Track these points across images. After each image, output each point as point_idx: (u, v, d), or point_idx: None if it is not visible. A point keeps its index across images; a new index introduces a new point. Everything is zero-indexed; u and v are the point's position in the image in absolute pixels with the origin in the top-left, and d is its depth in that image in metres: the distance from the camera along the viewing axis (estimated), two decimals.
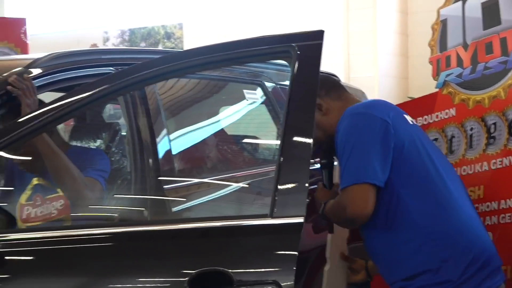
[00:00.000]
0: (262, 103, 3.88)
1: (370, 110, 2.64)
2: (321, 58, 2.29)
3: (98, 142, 3.34)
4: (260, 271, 2.14)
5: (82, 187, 2.78)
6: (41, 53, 3.10)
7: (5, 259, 2.33)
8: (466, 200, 2.74)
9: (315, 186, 2.79)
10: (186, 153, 3.61)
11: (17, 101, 2.74)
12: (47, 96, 2.94)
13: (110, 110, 4.64)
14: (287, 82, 2.43)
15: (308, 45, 2.32)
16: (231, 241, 2.20)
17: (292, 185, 2.16)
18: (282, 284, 2.08)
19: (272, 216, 2.15)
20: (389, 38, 7.71)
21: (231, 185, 3.31)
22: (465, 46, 3.31)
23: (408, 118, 2.78)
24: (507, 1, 3.16)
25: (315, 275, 3.19)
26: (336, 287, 2.98)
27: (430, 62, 3.49)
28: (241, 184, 3.32)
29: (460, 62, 3.33)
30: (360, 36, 7.69)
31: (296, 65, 2.27)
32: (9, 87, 2.67)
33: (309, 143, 2.19)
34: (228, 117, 4.04)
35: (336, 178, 2.82)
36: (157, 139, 3.11)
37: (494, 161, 3.12)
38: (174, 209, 3.03)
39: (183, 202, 3.11)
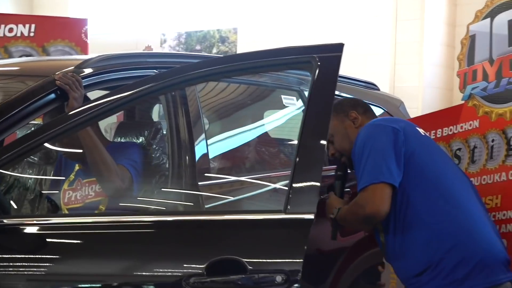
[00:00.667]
0: (298, 109, 4.06)
1: (382, 122, 2.91)
2: (339, 68, 2.48)
3: (141, 139, 3.56)
4: (271, 261, 2.35)
5: (116, 178, 3.01)
6: (94, 54, 3.34)
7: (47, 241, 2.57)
8: (476, 202, 2.91)
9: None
10: (223, 153, 3.84)
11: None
12: (97, 95, 3.17)
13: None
14: None
15: (328, 57, 2.51)
16: (248, 233, 2.41)
17: (306, 184, 2.36)
18: (289, 273, 2.29)
19: (286, 212, 2.36)
20: (435, 49, 7.80)
21: (260, 183, 3.52)
22: (491, 61, 3.44)
23: (421, 130, 2.98)
24: None
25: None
26: None
27: (458, 75, 3.62)
28: (269, 183, 3.51)
29: (485, 76, 3.46)
30: (407, 47, 7.80)
31: (316, 74, 2.47)
32: (57, 82, 2.91)
33: (323, 146, 2.39)
34: (264, 121, 4.23)
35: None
36: (195, 138, 3.33)
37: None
38: (206, 204, 3.24)
39: (215, 198, 3.33)
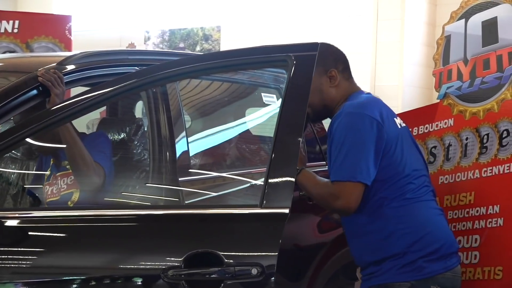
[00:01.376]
0: (278, 107, 4.11)
1: (365, 110, 2.87)
2: (314, 67, 2.54)
3: (122, 135, 3.62)
4: (247, 255, 2.42)
5: (93, 174, 3.07)
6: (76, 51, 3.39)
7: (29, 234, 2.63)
8: (431, 196, 3.02)
9: None
10: (205, 149, 3.90)
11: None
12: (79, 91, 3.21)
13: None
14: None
15: (303, 56, 2.57)
16: (224, 227, 2.48)
17: (281, 179, 2.43)
18: (265, 266, 2.36)
19: (261, 206, 2.43)
20: (415, 49, 7.90)
21: (239, 179, 3.58)
22: (465, 61, 3.52)
23: (397, 121, 3.02)
24: (504, 21, 3.38)
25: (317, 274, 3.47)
26: None
27: (434, 74, 3.70)
28: (247, 179, 3.58)
29: (460, 76, 3.54)
30: (387, 46, 7.89)
31: (292, 72, 2.53)
32: (39, 78, 2.96)
33: (298, 142, 2.46)
34: (245, 119, 4.29)
35: None
36: (176, 135, 3.39)
37: (485, 169, 3.33)
38: (187, 200, 3.30)
39: (195, 193, 3.39)
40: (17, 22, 7.56)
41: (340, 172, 2.80)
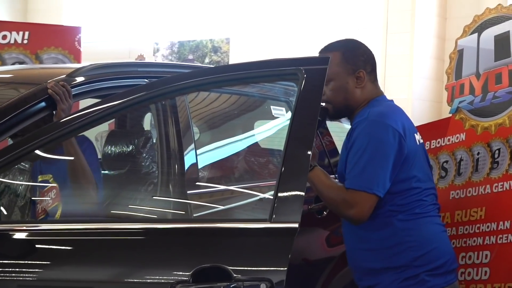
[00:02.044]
0: (288, 120, 4.09)
1: (389, 121, 2.84)
2: (324, 80, 2.52)
3: (131, 147, 3.60)
4: (256, 269, 2.39)
5: (90, 187, 3.07)
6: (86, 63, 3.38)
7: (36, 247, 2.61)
8: (437, 212, 2.99)
9: None
10: (213, 162, 3.88)
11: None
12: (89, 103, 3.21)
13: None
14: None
15: (314, 69, 2.55)
16: (233, 241, 2.45)
17: (291, 193, 2.40)
18: (274, 282, 2.33)
19: (271, 220, 2.40)
20: (425, 62, 7.88)
21: (248, 193, 3.56)
22: (477, 75, 3.51)
23: (417, 137, 2.99)
24: None
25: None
26: None
27: (446, 88, 3.69)
28: (256, 193, 3.55)
29: (472, 90, 3.52)
30: (397, 60, 7.88)
31: (302, 86, 2.51)
32: (49, 91, 2.95)
33: (308, 156, 2.43)
34: (254, 131, 4.27)
35: None
36: (185, 147, 3.37)
37: (496, 184, 3.31)
38: (195, 213, 3.28)
39: (203, 206, 3.37)
40: (27, 33, 7.58)
41: (357, 180, 2.79)
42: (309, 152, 2.44)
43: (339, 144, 3.67)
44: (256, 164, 4.18)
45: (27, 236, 2.60)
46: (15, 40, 7.54)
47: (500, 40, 3.42)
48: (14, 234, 2.57)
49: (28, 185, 3.36)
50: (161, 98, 3.01)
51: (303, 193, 2.39)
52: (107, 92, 3.19)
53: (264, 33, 9.03)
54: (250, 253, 2.41)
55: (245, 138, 4.34)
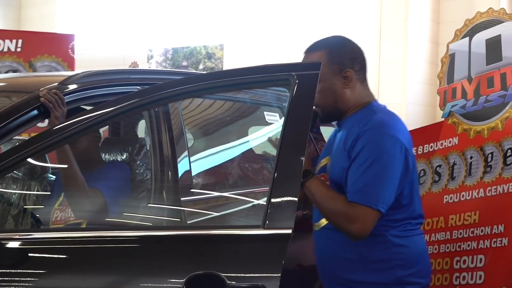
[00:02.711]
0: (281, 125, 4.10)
1: (398, 134, 2.74)
2: (316, 86, 2.52)
3: (125, 155, 3.60)
4: (250, 276, 2.38)
5: (84, 195, 3.07)
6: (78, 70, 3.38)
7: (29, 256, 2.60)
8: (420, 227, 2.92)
9: None
10: (207, 169, 3.88)
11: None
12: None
13: None
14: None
15: (306, 75, 2.55)
16: (227, 248, 2.44)
17: (284, 199, 2.39)
18: None
19: (264, 227, 2.39)
20: (419, 67, 7.89)
21: (242, 199, 3.56)
22: (469, 79, 3.51)
23: (413, 150, 2.91)
24: (508, 39, 3.37)
25: None
26: None
27: (438, 92, 3.69)
28: (250, 199, 3.55)
29: (464, 94, 3.53)
30: (390, 64, 7.88)
31: (294, 92, 2.51)
32: (41, 99, 2.95)
33: (301, 161, 2.42)
34: (248, 137, 4.28)
35: None
36: (178, 154, 3.37)
37: (489, 188, 3.31)
38: (189, 220, 3.28)
39: (197, 213, 3.37)
40: (20, 41, 7.58)
41: (363, 195, 2.67)
42: (302, 158, 2.43)
43: None
44: (250, 170, 4.18)
45: (20, 245, 2.59)
46: (9, 48, 7.54)
47: (492, 44, 3.43)
48: (7, 243, 2.56)
49: (22, 193, 3.36)
50: (154, 104, 3.01)
51: (296, 199, 2.38)
52: (99, 99, 3.19)
53: (258, 39, 9.03)
54: (244, 260, 2.41)
55: (239, 144, 4.34)
